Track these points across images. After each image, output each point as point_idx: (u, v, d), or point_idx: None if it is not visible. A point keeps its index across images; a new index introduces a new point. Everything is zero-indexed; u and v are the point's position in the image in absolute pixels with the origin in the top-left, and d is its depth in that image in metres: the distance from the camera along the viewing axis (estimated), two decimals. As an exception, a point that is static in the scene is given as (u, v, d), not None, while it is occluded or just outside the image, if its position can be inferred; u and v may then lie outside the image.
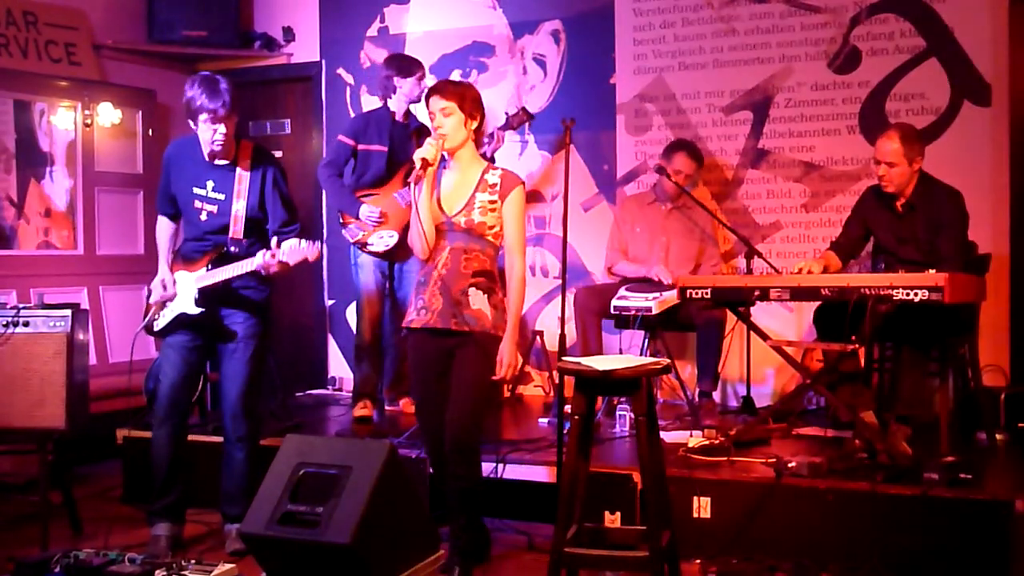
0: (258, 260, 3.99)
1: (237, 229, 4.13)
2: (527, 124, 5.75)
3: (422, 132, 5.50)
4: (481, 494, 3.84)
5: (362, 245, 5.34)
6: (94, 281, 6.22)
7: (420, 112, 6.34)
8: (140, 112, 6.49)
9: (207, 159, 4.14)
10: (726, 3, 5.89)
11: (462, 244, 3.74)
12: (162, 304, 4.20)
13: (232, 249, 4.12)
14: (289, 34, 6.93)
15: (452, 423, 3.71)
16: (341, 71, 6.82)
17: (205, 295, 4.11)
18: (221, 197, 4.14)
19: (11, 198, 6.14)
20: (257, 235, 4.18)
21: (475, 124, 3.79)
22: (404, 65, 5.44)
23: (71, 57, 6.17)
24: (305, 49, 6.93)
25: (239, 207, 4.12)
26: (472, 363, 3.71)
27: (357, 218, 5.29)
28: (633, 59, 6.12)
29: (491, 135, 5.40)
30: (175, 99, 6.98)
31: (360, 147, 5.37)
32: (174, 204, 4.26)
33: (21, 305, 4.50)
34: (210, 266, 4.11)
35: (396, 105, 5.43)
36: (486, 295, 3.74)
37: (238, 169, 4.14)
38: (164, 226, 4.34)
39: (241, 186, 4.12)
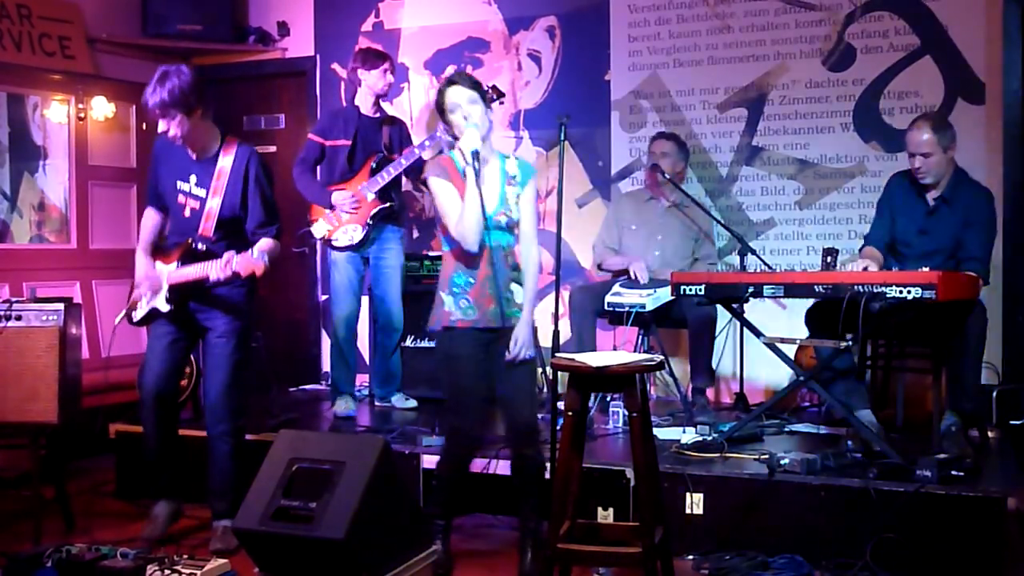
0: (214, 271, 3.94)
1: (207, 226, 4.08)
2: (498, 102, 5.63)
3: (392, 123, 5.51)
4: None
5: (328, 241, 5.33)
6: (87, 275, 6.21)
7: (397, 104, 6.39)
8: (134, 106, 6.46)
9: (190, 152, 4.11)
10: (721, 0, 5.89)
11: (501, 241, 3.73)
12: (140, 295, 4.20)
13: (199, 246, 4.08)
14: (284, 29, 6.92)
15: (521, 410, 3.76)
16: (335, 66, 6.80)
17: (175, 292, 4.09)
18: (203, 193, 4.10)
19: (4, 192, 6.12)
20: (235, 234, 4.13)
21: (491, 116, 3.80)
22: (368, 58, 5.43)
23: (65, 51, 6.15)
24: (300, 44, 6.92)
25: (213, 204, 4.07)
26: None
27: (332, 209, 5.28)
28: (628, 56, 6.12)
29: (431, 137, 5.37)
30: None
31: (328, 144, 5.39)
32: (162, 199, 4.23)
33: (14, 299, 4.49)
34: (179, 263, 4.08)
35: (362, 99, 5.42)
36: (520, 286, 3.79)
37: (219, 164, 4.08)
38: (150, 216, 4.30)
39: (219, 182, 4.07)
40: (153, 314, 4.17)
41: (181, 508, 4.35)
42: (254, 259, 3.91)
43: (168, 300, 4.11)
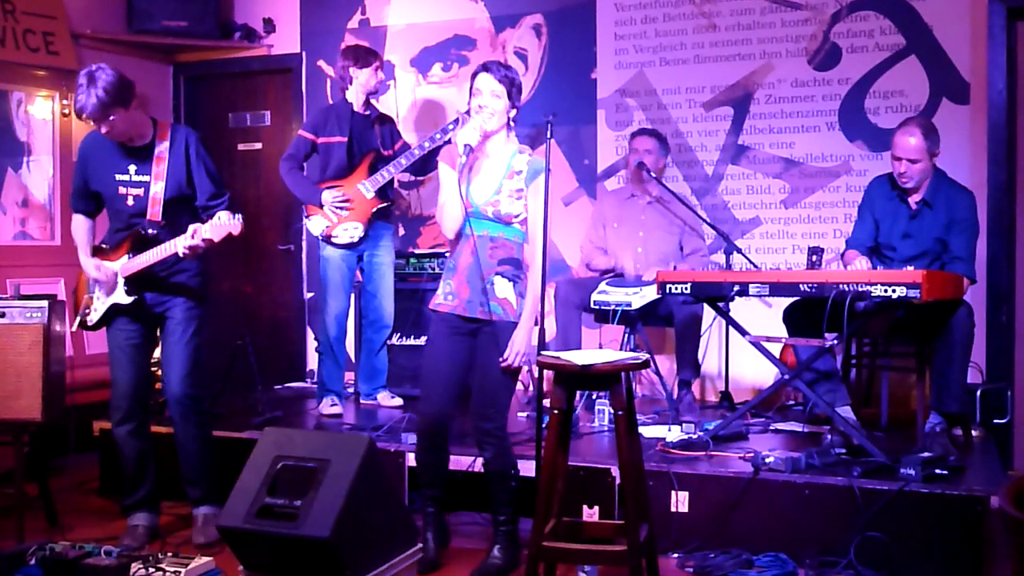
0: (182, 243, 3.94)
1: (155, 211, 4.07)
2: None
3: (383, 121, 5.50)
4: (517, 480, 3.83)
5: (327, 237, 5.31)
6: (71, 272, 6.12)
7: (384, 102, 6.37)
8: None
9: (125, 143, 4.08)
10: (708, -1, 5.91)
11: (489, 232, 3.73)
12: (91, 298, 4.19)
13: (150, 231, 4.06)
14: (269, 25, 6.90)
15: (475, 410, 3.78)
16: (321, 63, 6.79)
17: (133, 283, 4.09)
18: (146, 179, 4.08)
19: (-13, 188, 6.09)
20: (182, 215, 4.12)
21: (514, 113, 3.82)
22: (360, 55, 5.41)
23: (49, 46, 6.11)
24: (285, 41, 6.90)
25: (157, 188, 4.07)
26: (494, 350, 3.72)
27: (321, 208, 5.27)
28: (614, 54, 6.13)
29: (455, 120, 5.36)
30: (154, 90, 6.98)
31: (320, 140, 5.36)
32: (94, 200, 4.21)
33: (-3, 296, 4.46)
34: (131, 253, 4.08)
35: (353, 96, 5.41)
36: (511, 283, 3.74)
37: (157, 149, 4.08)
38: (81, 223, 4.27)
39: (160, 167, 4.07)
40: (113, 310, 4.15)
41: (159, 522, 4.31)
42: (225, 223, 3.91)
43: (128, 292, 4.10)
